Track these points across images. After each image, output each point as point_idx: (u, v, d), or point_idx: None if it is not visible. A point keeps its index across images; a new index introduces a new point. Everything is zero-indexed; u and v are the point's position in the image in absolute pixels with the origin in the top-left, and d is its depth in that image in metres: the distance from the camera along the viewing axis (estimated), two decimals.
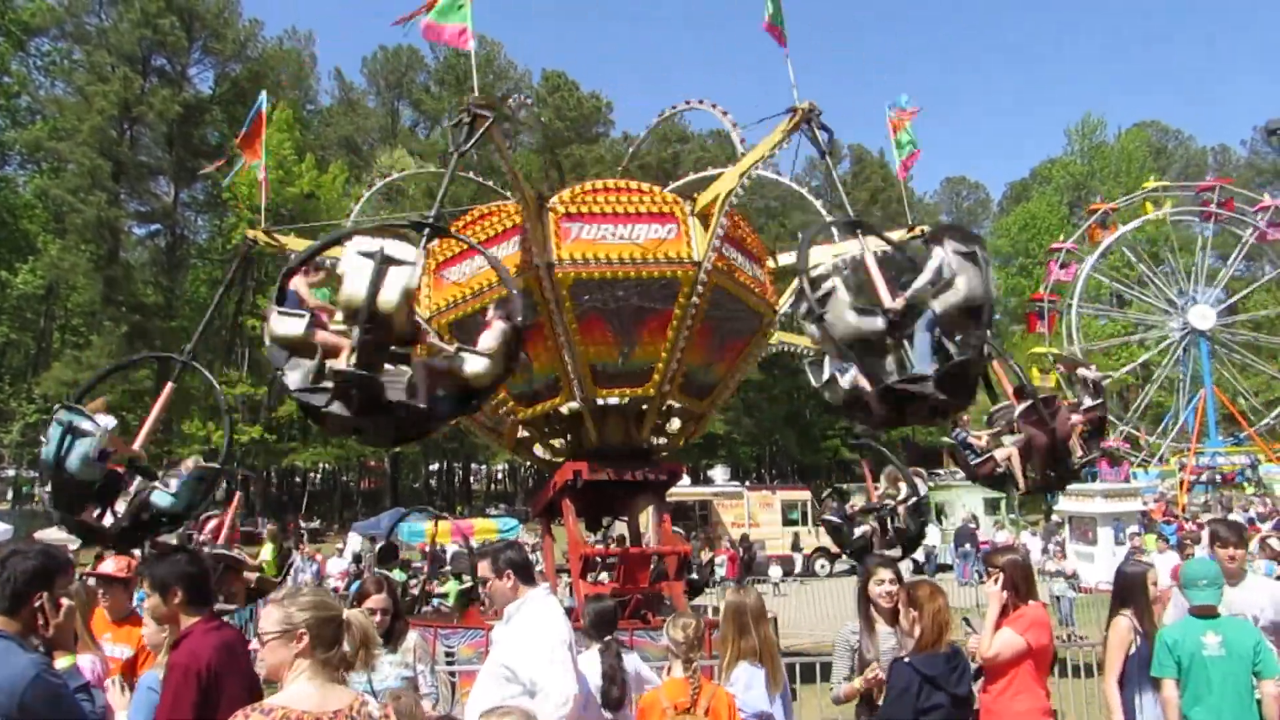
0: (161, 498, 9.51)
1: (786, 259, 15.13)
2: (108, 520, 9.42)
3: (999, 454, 10.52)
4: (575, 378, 11.70)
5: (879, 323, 8.04)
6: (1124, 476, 29.22)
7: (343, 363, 7.50)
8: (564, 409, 12.62)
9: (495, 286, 11.27)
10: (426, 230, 8.37)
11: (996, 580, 5.46)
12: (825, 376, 9.02)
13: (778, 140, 10.00)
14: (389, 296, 7.60)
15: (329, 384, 7.55)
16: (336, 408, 7.49)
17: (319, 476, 63.86)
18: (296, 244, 11.93)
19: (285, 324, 7.94)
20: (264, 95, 13.31)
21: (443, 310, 12.26)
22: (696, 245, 11.26)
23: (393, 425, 8.01)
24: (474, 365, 7.86)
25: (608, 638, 5.57)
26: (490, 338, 7.99)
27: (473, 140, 9.07)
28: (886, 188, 63.27)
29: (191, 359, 11.15)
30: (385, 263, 7.60)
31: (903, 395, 7.76)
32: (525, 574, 4.77)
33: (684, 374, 12.03)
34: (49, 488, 9.18)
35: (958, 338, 7.85)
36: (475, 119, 9.10)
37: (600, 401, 12.12)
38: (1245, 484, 35.54)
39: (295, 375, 7.77)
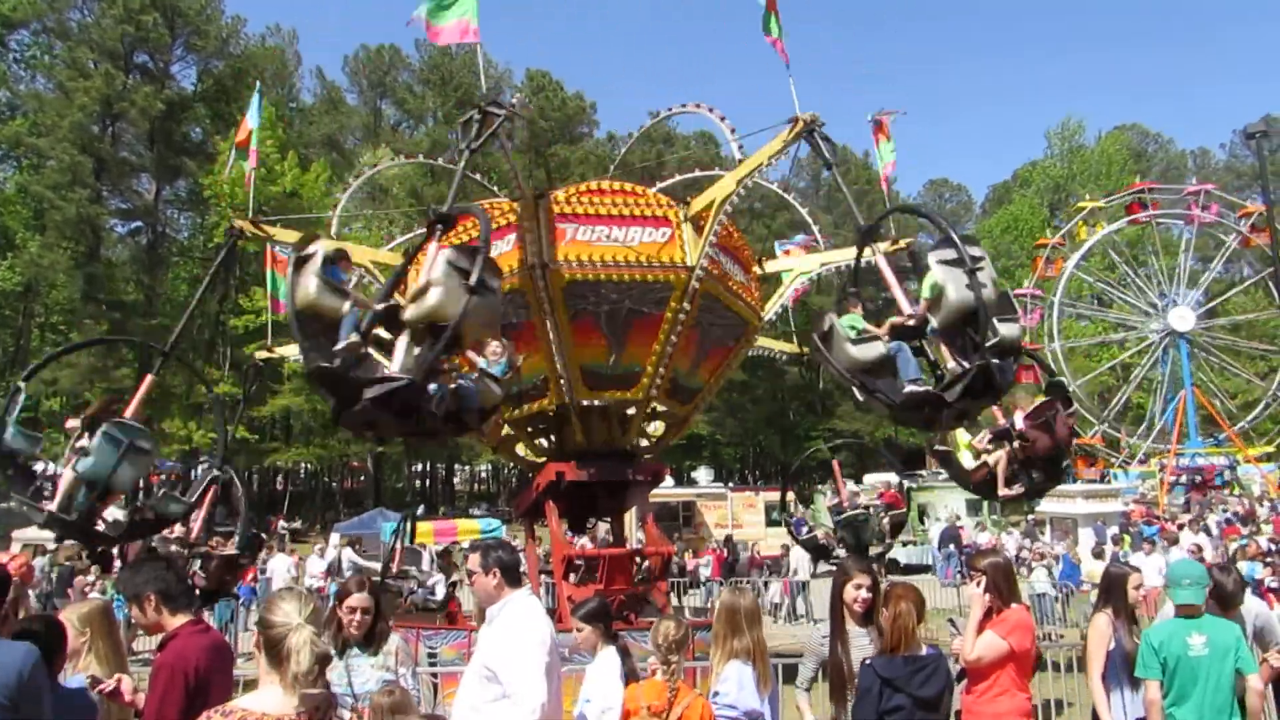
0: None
1: (773, 266, 15.23)
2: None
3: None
4: (565, 379, 11.69)
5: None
6: (1099, 473, 29.38)
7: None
8: (550, 409, 12.62)
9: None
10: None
11: (979, 583, 5.52)
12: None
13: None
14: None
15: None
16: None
17: (300, 477, 63.56)
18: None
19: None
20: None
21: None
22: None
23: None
24: None
25: (617, 634, 5.62)
26: None
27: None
28: (871, 190, 63.48)
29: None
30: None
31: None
32: (511, 575, 4.79)
33: (670, 378, 12.04)
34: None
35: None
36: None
37: (586, 403, 12.11)
38: (1234, 484, 35.83)
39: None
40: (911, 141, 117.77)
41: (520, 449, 14.81)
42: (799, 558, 24.30)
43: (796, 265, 14.99)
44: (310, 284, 7.55)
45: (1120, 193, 46.40)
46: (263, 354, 13.84)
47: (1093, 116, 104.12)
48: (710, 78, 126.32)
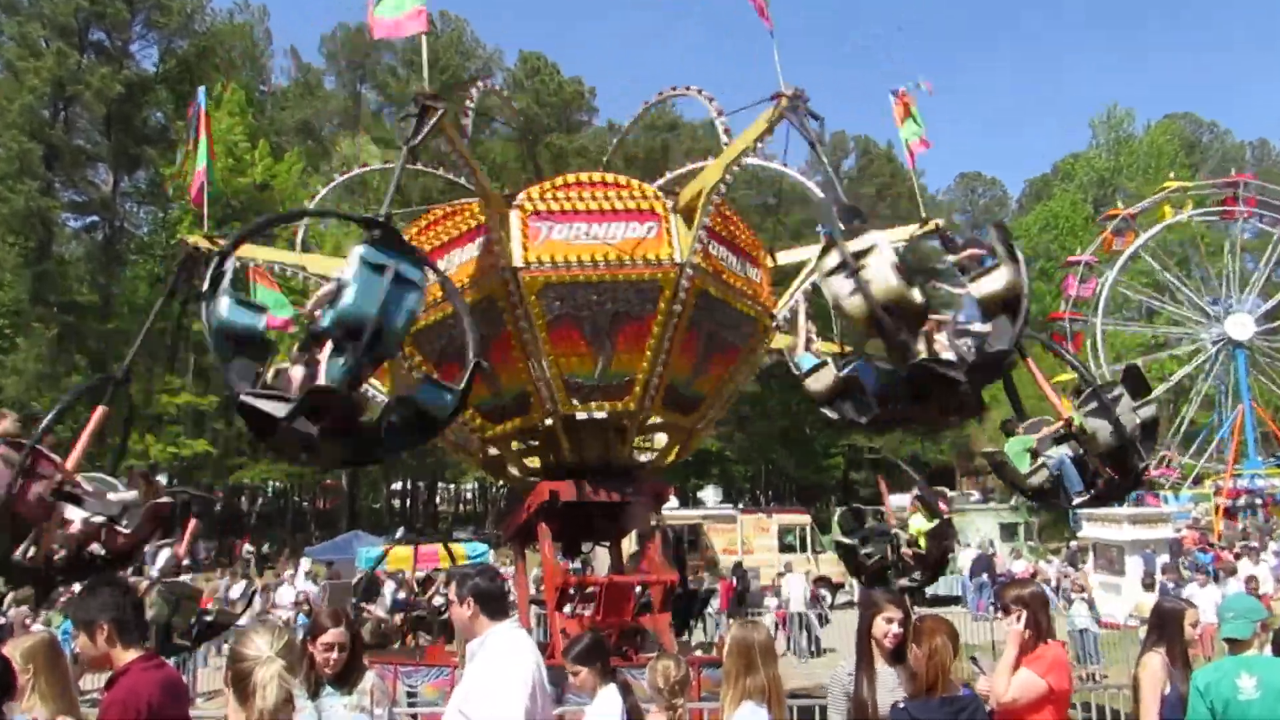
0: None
1: (787, 258, 15.17)
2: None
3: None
4: (546, 392, 11.66)
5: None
6: (1157, 504, 29.23)
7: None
8: (537, 425, 12.56)
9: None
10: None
11: (1020, 617, 5.46)
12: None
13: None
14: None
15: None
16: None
17: (268, 495, 63.53)
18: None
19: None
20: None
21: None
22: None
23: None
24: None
25: (615, 670, 5.58)
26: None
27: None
28: (896, 183, 63.52)
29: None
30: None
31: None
32: (491, 605, 4.69)
33: (667, 387, 11.96)
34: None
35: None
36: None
37: (579, 416, 12.06)
38: None
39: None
40: (940, 132, 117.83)
41: (511, 467, 14.78)
42: (794, 587, 24.30)
43: (815, 255, 14.88)
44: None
45: (1216, 181, 46.04)
46: (195, 239, 13.24)
47: (1141, 104, 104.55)
48: (719, 61, 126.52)
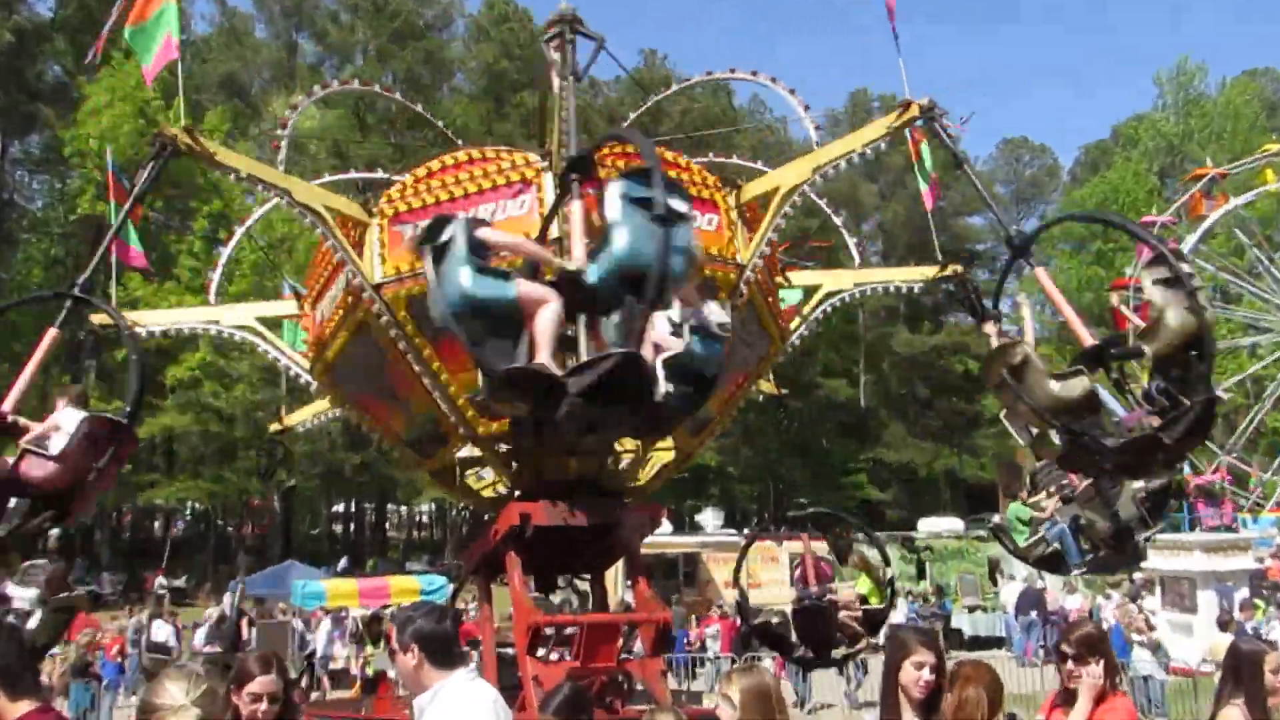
0: None
1: (802, 280, 15.27)
2: None
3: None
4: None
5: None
6: (1228, 521, 29.26)
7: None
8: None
9: None
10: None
11: (1098, 663, 5.45)
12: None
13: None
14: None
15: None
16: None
17: (186, 519, 63.37)
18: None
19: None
20: None
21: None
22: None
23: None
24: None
25: None
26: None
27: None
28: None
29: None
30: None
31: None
32: (438, 653, 4.62)
33: None
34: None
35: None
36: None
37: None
38: None
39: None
40: (980, 91, 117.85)
41: (472, 479, 14.74)
42: None
43: (827, 281, 15.02)
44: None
45: (1246, 159, 46.16)
46: (174, 130, 13.32)
47: (1215, 59, 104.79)
48: (753, 43, 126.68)
